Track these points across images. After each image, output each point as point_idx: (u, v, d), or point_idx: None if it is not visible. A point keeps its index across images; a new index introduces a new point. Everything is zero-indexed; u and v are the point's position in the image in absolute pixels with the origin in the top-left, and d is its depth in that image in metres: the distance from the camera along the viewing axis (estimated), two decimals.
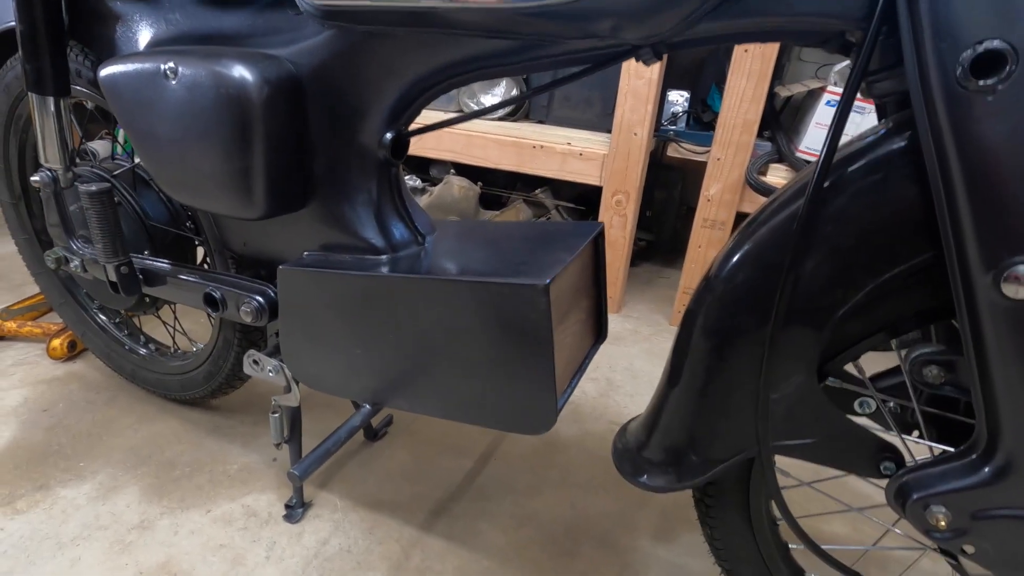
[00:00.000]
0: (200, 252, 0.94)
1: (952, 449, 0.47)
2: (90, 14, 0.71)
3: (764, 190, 1.29)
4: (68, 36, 0.72)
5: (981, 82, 0.34)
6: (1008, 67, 0.34)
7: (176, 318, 1.01)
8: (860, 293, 0.44)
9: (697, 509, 0.63)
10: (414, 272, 0.60)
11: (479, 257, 0.61)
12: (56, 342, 1.12)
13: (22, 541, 0.75)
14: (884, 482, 0.50)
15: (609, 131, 1.47)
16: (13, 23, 0.78)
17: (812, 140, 1.34)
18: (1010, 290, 0.36)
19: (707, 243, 1.43)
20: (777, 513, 0.59)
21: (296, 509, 0.82)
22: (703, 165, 1.42)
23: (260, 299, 0.69)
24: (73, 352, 1.14)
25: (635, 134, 1.38)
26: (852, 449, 0.50)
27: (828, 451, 0.50)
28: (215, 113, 0.56)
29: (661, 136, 1.50)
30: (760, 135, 1.35)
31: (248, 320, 0.69)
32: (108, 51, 0.71)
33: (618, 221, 1.49)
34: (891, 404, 0.54)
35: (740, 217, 1.39)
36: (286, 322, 0.67)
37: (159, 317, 0.97)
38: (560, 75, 1.53)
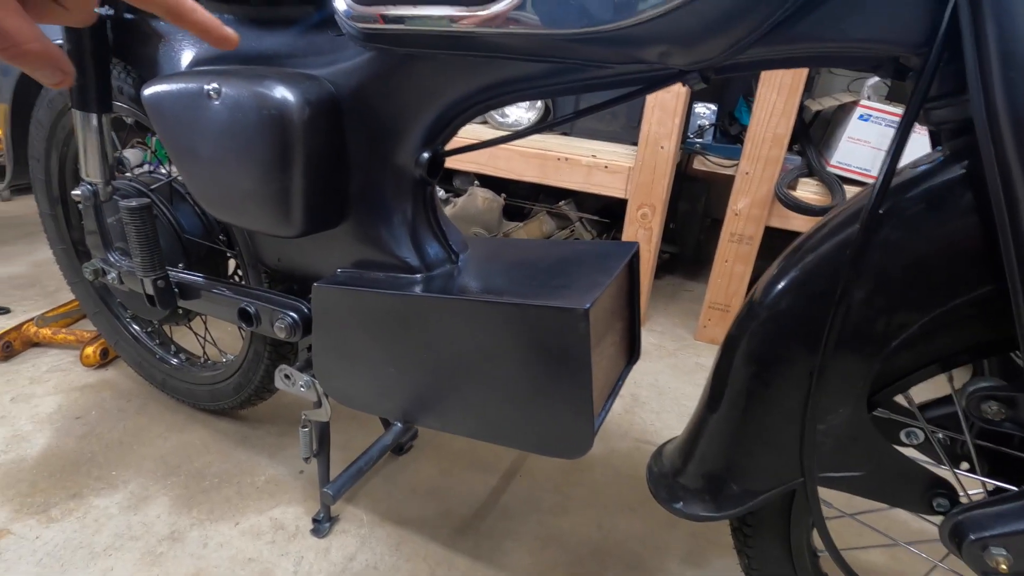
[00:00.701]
0: (231, 264, 0.95)
1: (1008, 486, 0.45)
2: (134, 34, 0.72)
3: (794, 205, 1.27)
4: (111, 54, 0.74)
5: None
6: None
7: (207, 328, 1.03)
8: (914, 325, 0.43)
9: (735, 538, 0.62)
10: (449, 292, 0.60)
11: (514, 277, 0.61)
12: (89, 350, 1.14)
13: (56, 550, 0.76)
14: (934, 517, 0.48)
15: (634, 143, 1.46)
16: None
17: (844, 155, 1.32)
18: None
19: (734, 257, 1.41)
20: (818, 544, 0.58)
21: (323, 523, 0.82)
22: (728, 177, 1.40)
23: (294, 315, 0.69)
24: (105, 360, 1.16)
25: (662, 147, 1.37)
26: (902, 484, 0.49)
27: (877, 485, 0.49)
28: (256, 133, 0.57)
29: (687, 149, 1.49)
30: (789, 148, 1.33)
31: (282, 336, 0.70)
32: (151, 69, 0.72)
33: (643, 235, 1.48)
34: (940, 435, 0.52)
35: (768, 232, 1.37)
36: (319, 339, 0.67)
37: (190, 328, 0.98)
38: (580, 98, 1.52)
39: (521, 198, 1.81)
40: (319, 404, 0.75)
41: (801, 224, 1.32)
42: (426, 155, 0.61)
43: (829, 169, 1.34)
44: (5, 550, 0.75)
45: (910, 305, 0.43)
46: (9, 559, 0.74)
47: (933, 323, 0.43)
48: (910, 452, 0.50)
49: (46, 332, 1.20)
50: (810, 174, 1.39)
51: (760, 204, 1.34)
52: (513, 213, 1.79)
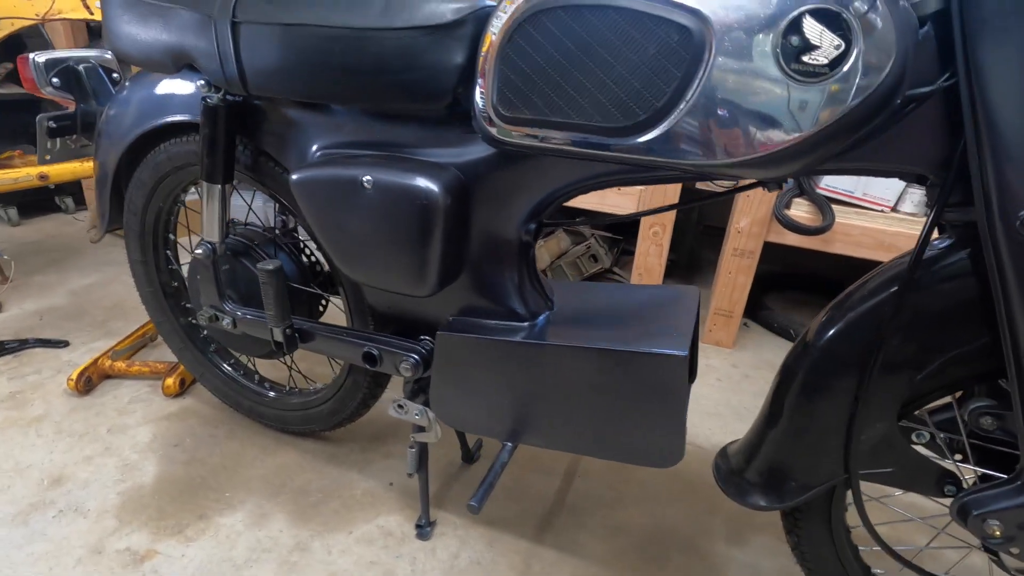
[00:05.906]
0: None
1: (996, 473, 0.63)
2: (263, 117, 0.83)
3: (791, 226, 1.45)
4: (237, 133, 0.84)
5: None
6: None
7: (293, 360, 1.13)
8: (935, 363, 0.59)
9: (785, 522, 0.78)
10: (554, 337, 0.74)
11: (609, 322, 0.75)
12: (169, 380, 1.23)
13: (204, 565, 0.87)
14: (945, 500, 0.66)
15: None
16: (168, 119, 0.90)
17: (831, 178, 1.50)
18: None
19: (736, 269, 1.59)
20: (850, 522, 0.75)
21: (426, 528, 0.95)
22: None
23: (416, 357, 0.82)
24: (183, 388, 1.26)
25: None
26: (922, 476, 0.66)
27: (903, 478, 0.66)
28: (405, 217, 0.69)
29: None
30: None
31: (407, 375, 0.82)
32: (277, 148, 0.83)
33: (654, 250, 1.64)
34: (942, 435, 0.70)
35: (767, 246, 1.55)
36: (438, 376, 0.80)
37: (283, 361, 1.09)
38: None
39: None
40: (429, 429, 0.88)
41: (795, 240, 1.51)
42: (532, 226, 0.75)
43: (818, 191, 1.53)
44: (159, 567, 0.86)
45: (933, 349, 0.59)
46: (165, 575, 0.85)
47: (948, 361, 0.59)
48: (921, 450, 0.67)
49: (120, 365, 1.28)
50: (801, 194, 1.57)
51: (760, 223, 1.52)
52: None
